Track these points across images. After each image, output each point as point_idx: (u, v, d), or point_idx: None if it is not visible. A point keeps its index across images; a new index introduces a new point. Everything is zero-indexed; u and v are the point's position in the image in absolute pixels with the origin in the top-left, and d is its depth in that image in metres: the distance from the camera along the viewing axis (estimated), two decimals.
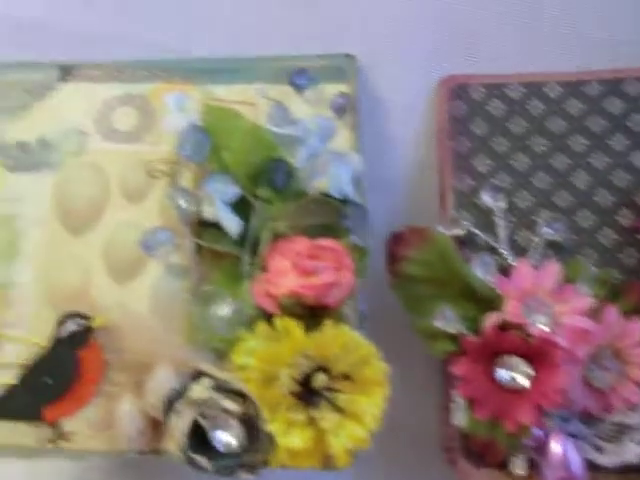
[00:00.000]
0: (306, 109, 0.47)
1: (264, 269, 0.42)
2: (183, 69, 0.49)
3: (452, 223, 0.46)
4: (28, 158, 0.48)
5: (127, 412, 0.40)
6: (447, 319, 0.43)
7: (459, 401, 0.43)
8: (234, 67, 0.49)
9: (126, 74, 0.49)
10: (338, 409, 0.39)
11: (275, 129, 0.44)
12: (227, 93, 0.48)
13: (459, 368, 0.42)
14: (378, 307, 0.47)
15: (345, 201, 0.44)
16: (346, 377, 0.40)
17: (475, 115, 0.49)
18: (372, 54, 0.50)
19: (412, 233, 0.45)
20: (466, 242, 0.46)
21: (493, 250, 0.45)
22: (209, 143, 0.44)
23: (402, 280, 0.45)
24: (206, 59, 0.50)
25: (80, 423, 0.42)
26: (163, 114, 0.48)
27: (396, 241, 0.46)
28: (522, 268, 0.44)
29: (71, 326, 0.43)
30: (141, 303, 0.44)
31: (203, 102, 0.46)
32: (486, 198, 0.47)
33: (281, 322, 0.40)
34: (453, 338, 0.43)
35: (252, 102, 0.47)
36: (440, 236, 0.45)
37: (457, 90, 0.49)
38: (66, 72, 0.49)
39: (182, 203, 0.44)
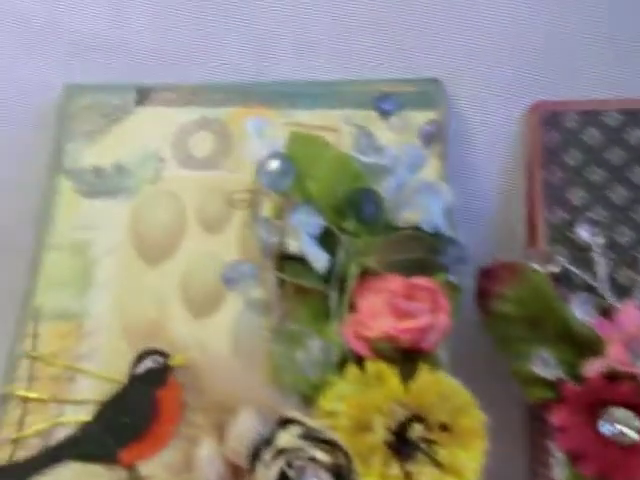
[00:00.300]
0: (391, 136, 0.45)
1: (353, 308, 0.40)
2: (262, 93, 0.48)
3: (546, 259, 0.43)
4: (103, 183, 0.46)
5: (207, 457, 0.38)
6: (545, 364, 0.40)
7: (558, 455, 0.40)
8: (315, 91, 0.47)
9: (202, 97, 0.48)
10: (436, 463, 0.36)
11: (362, 158, 0.42)
12: (308, 118, 0.46)
13: (558, 418, 0.40)
14: (460, 345, 0.45)
15: (437, 235, 0.42)
16: (443, 427, 0.37)
17: (569, 144, 0.46)
18: (457, 78, 0.48)
19: (504, 268, 0.43)
20: (561, 280, 0.43)
21: (591, 289, 0.43)
22: (293, 171, 0.42)
23: (494, 318, 0.42)
24: (286, 83, 0.48)
25: (157, 466, 0.40)
26: (242, 139, 0.46)
27: (487, 277, 0.43)
28: (628, 309, 0.41)
29: (149, 363, 0.41)
30: (220, 340, 0.42)
31: (287, 129, 0.44)
32: (582, 233, 0.44)
33: (374, 366, 0.38)
34: (551, 384, 0.40)
35: (334, 128, 0.45)
36: (535, 273, 0.42)
37: (549, 117, 0.47)
38: (143, 95, 0.48)
39: (264, 234, 0.42)
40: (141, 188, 0.46)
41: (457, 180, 0.47)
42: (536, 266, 0.43)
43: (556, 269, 0.43)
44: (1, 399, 0.42)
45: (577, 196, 0.45)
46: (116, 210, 0.45)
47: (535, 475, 0.44)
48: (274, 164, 0.42)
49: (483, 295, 0.43)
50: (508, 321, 0.42)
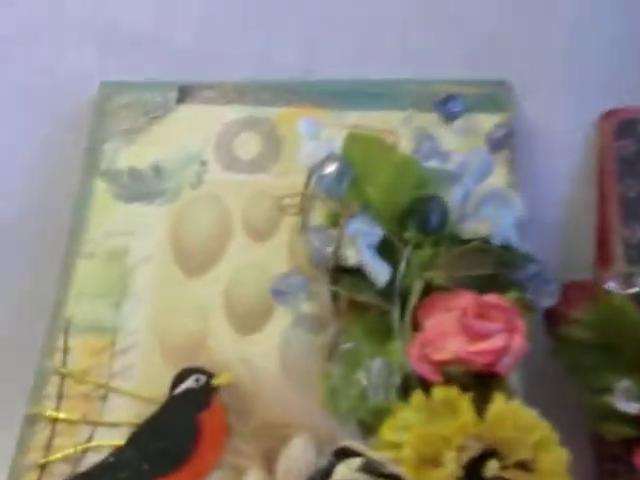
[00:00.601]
0: (455, 141, 0.42)
1: (416, 326, 0.36)
2: (313, 92, 0.44)
3: (626, 280, 0.39)
4: (140, 186, 0.43)
5: None
6: (628, 397, 0.36)
7: None
8: (371, 91, 0.44)
9: (248, 96, 0.45)
10: None
11: (428, 164, 0.39)
12: (363, 119, 0.43)
13: None
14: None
15: (507, 248, 0.38)
16: (520, 465, 0.33)
17: None
18: (526, 82, 0.44)
19: (578, 290, 0.39)
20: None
21: None
22: (350, 176, 0.39)
23: (565, 345, 0.39)
24: (339, 82, 0.45)
25: None
26: (291, 141, 0.43)
27: (559, 298, 0.40)
28: None
29: (190, 383, 0.37)
30: (268, 358, 0.38)
31: (342, 130, 0.40)
32: None
33: (443, 393, 0.34)
34: (632, 420, 0.36)
35: (392, 131, 0.42)
36: (615, 295, 0.38)
37: (624, 125, 0.43)
38: (185, 93, 0.45)
39: (317, 244, 0.38)
40: (181, 192, 0.42)
41: (523, 189, 0.43)
42: (615, 287, 0.39)
43: (636, 291, 0.39)
44: (28, 419, 0.38)
45: None
46: (154, 215, 0.42)
47: None
48: (330, 167, 0.39)
49: (553, 318, 0.39)
50: (582, 348, 0.38)
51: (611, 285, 0.39)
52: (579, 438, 0.39)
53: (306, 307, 0.39)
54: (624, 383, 0.36)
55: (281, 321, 0.39)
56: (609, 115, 0.44)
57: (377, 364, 0.35)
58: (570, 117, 0.45)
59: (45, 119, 0.47)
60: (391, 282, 0.37)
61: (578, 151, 0.45)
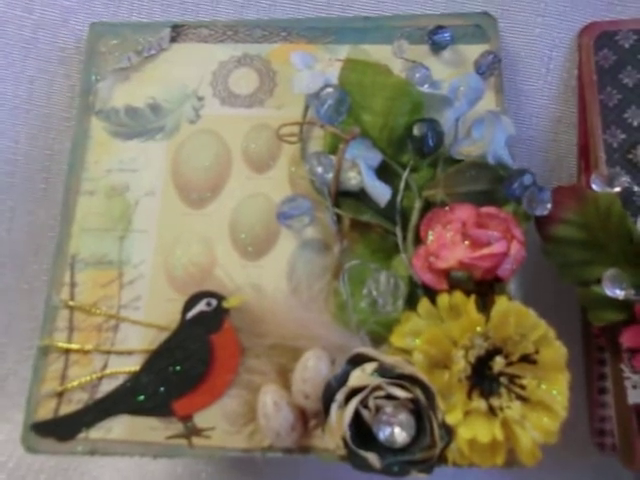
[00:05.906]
0: (445, 71, 0.43)
1: (418, 242, 0.38)
2: (304, 28, 0.45)
3: (609, 181, 0.41)
4: (138, 124, 0.43)
5: (272, 403, 0.35)
6: (615, 283, 0.38)
7: (634, 377, 0.38)
8: (362, 26, 0.45)
9: (240, 34, 0.45)
10: (521, 397, 0.34)
11: (423, 88, 0.40)
12: (354, 53, 0.43)
13: (631, 339, 0.38)
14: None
15: (501, 165, 0.39)
16: (524, 359, 0.35)
17: (625, 64, 0.44)
18: (507, 12, 0.46)
19: (565, 193, 0.41)
20: (622, 202, 0.40)
21: None
22: (348, 104, 0.40)
23: (556, 244, 0.40)
24: (332, 18, 0.46)
25: (215, 417, 0.37)
26: (285, 76, 0.43)
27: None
28: None
29: (202, 307, 0.38)
30: (277, 282, 0.39)
31: (335, 64, 0.41)
32: None
33: (448, 299, 0.35)
34: (620, 306, 0.38)
35: (384, 63, 0.43)
36: (604, 195, 0.40)
37: (603, 38, 0.45)
38: (178, 32, 0.45)
39: (318, 170, 0.39)
40: (180, 127, 0.43)
41: (510, 111, 0.45)
42: (598, 188, 0.41)
43: (618, 190, 0.41)
44: (41, 351, 0.39)
45: (636, 116, 0.43)
46: (154, 151, 0.42)
47: (590, 404, 0.43)
48: (328, 95, 0.40)
49: (544, 222, 0.41)
50: (571, 246, 0.40)
51: (595, 186, 0.41)
52: (569, 336, 0.41)
53: (310, 231, 0.40)
54: (611, 271, 0.38)
55: (286, 246, 0.40)
56: (587, 29, 0.46)
57: (384, 276, 0.37)
58: (549, 34, 0.46)
59: (40, 63, 0.46)
60: (391, 203, 0.39)
61: (559, 66, 0.46)
